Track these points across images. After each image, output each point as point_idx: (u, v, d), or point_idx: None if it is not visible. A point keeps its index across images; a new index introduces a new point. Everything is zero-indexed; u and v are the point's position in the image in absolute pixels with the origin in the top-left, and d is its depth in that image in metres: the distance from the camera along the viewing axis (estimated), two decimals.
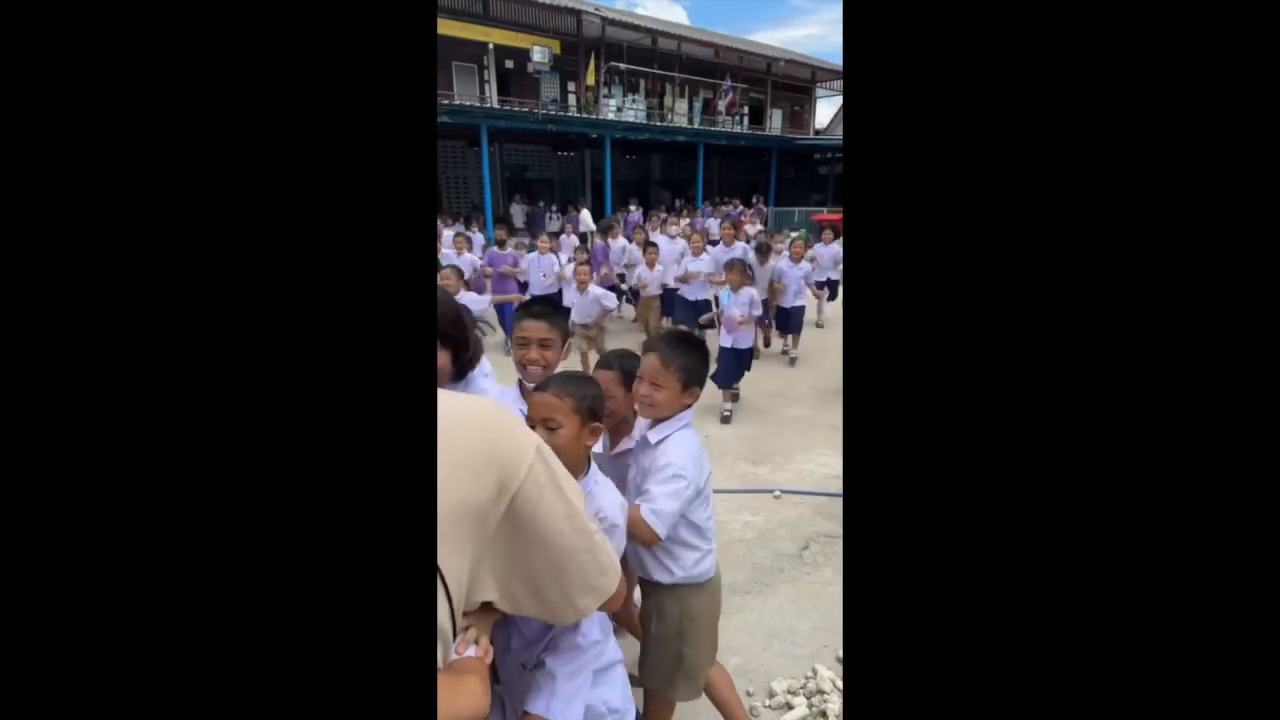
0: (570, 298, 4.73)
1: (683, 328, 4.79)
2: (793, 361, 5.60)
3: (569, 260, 5.04)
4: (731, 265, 4.43)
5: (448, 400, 0.62)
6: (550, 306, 1.53)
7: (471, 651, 0.70)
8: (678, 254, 6.21)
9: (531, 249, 6.03)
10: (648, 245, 6.31)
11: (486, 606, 0.76)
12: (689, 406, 1.41)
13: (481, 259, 6.17)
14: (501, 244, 6.31)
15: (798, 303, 5.58)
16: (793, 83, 21.36)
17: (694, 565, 1.37)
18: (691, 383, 1.39)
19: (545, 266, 5.84)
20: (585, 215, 10.42)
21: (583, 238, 7.81)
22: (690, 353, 1.38)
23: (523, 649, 0.90)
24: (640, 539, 1.30)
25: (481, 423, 0.64)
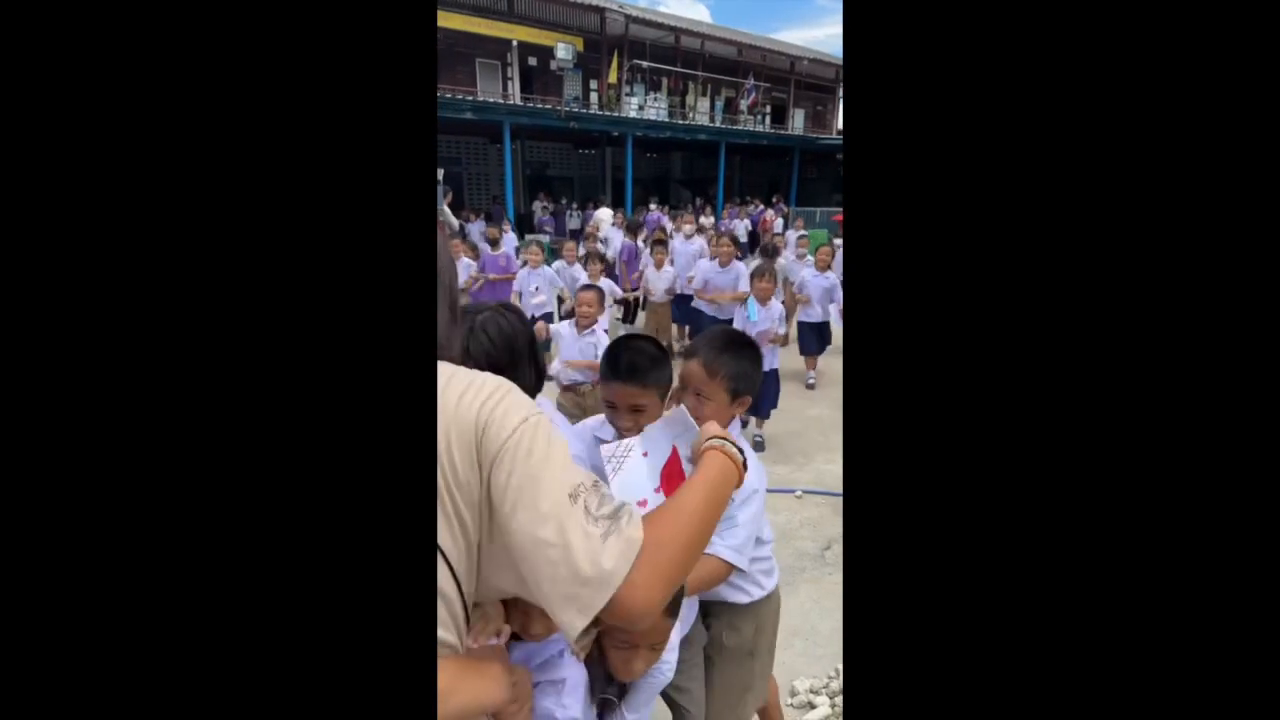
0: (566, 337, 3.08)
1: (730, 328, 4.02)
2: (810, 385, 4.91)
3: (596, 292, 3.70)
4: (761, 273, 3.73)
5: (442, 372, 0.59)
6: (642, 355, 1.16)
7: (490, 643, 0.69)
8: (692, 256, 5.57)
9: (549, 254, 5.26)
10: (655, 245, 5.49)
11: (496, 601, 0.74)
12: (736, 417, 1.25)
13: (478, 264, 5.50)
14: (495, 243, 5.57)
15: (824, 318, 4.87)
16: (816, 82, 21.19)
17: (765, 578, 1.29)
18: (742, 391, 1.21)
19: (538, 281, 4.79)
20: (603, 214, 9.93)
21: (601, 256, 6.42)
22: (740, 356, 1.21)
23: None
24: (720, 581, 1.16)
25: (461, 391, 0.58)
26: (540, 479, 0.55)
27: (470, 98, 12.38)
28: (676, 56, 16.38)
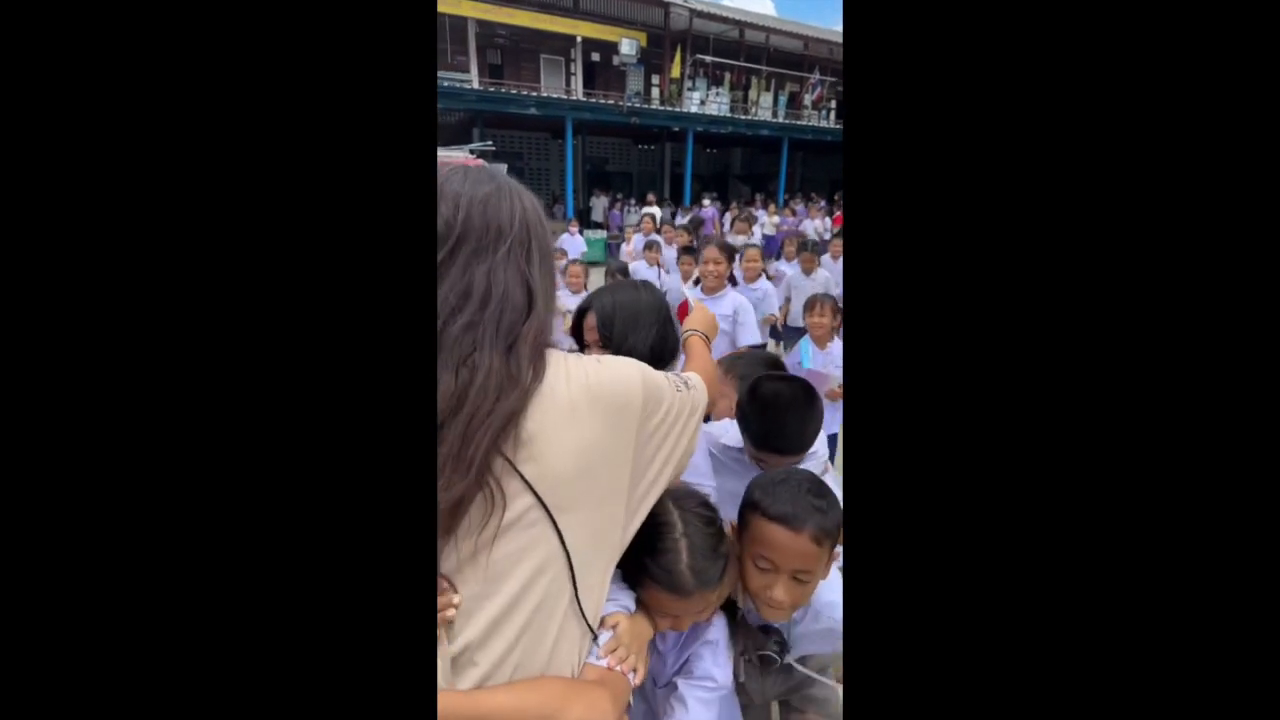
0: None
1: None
2: None
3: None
4: (816, 303, 2.72)
5: (557, 358, 0.64)
6: (798, 421, 1.07)
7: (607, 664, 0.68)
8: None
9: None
10: (682, 254, 4.30)
11: (640, 623, 0.75)
12: None
13: None
14: None
15: None
16: None
17: None
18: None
19: None
20: (655, 211, 8.94)
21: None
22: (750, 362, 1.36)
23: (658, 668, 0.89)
24: None
25: (588, 370, 0.65)
26: (665, 397, 0.71)
27: (534, 93, 12.56)
28: (740, 50, 16.14)
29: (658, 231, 5.90)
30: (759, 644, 0.94)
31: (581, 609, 0.62)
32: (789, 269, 4.61)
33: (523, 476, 0.56)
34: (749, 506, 0.88)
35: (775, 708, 1.39)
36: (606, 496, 0.63)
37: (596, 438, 0.61)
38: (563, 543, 0.58)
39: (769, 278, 3.86)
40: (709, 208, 11.61)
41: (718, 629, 0.87)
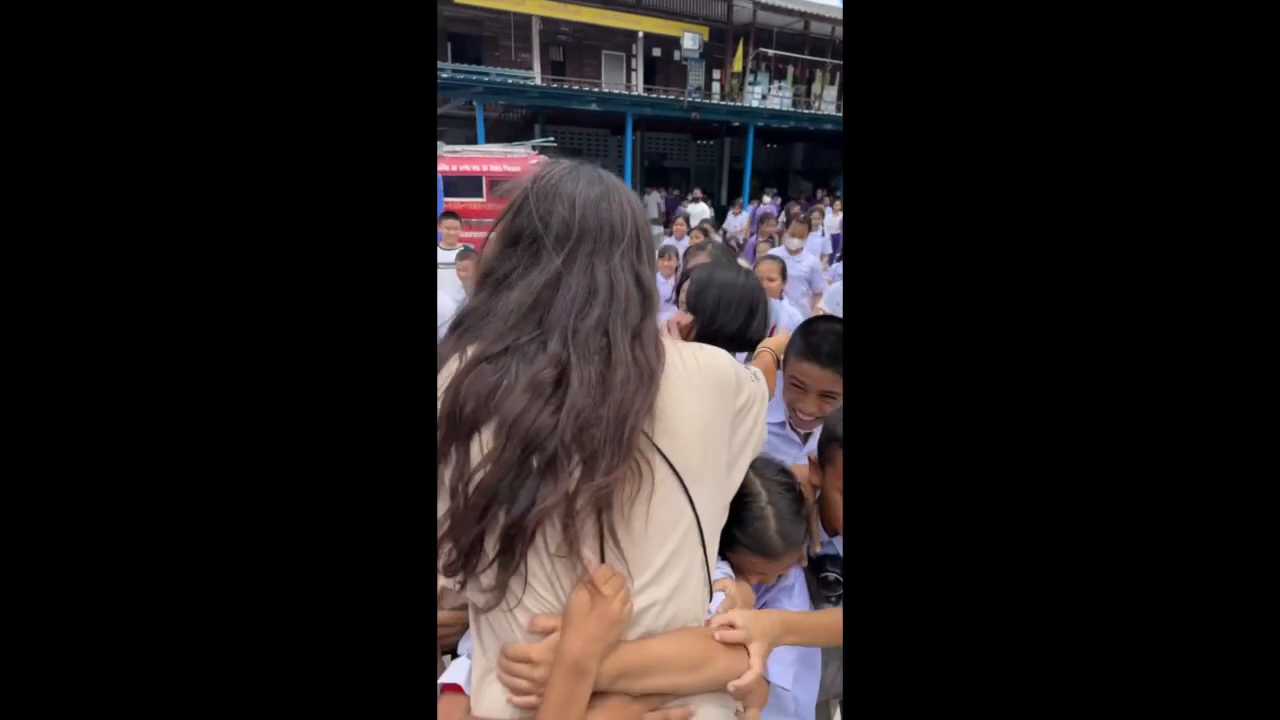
0: None
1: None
2: None
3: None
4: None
5: (672, 349, 0.69)
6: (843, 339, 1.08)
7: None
8: (800, 281, 3.88)
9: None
10: (697, 251, 2.99)
11: (745, 588, 0.82)
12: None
13: None
14: None
15: None
16: None
17: None
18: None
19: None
20: (699, 209, 8.47)
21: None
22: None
23: None
24: None
25: (696, 353, 0.71)
26: (745, 384, 0.76)
27: (596, 89, 12.63)
28: (804, 43, 15.77)
29: (689, 234, 4.98)
30: (820, 583, 0.98)
31: (707, 568, 0.68)
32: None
33: (659, 449, 0.63)
34: (837, 441, 0.92)
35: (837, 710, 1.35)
36: (718, 466, 0.69)
37: (711, 411, 0.68)
38: (694, 508, 0.65)
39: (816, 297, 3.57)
40: (769, 204, 11.38)
41: (794, 574, 0.93)
